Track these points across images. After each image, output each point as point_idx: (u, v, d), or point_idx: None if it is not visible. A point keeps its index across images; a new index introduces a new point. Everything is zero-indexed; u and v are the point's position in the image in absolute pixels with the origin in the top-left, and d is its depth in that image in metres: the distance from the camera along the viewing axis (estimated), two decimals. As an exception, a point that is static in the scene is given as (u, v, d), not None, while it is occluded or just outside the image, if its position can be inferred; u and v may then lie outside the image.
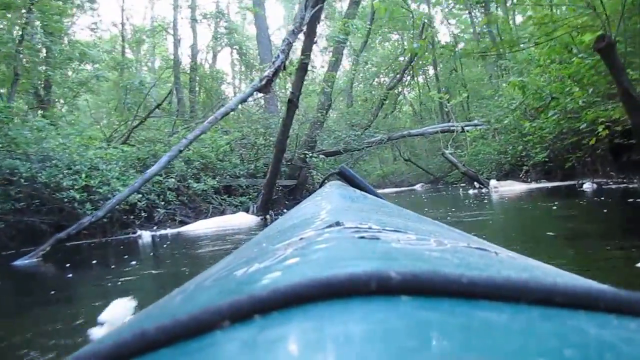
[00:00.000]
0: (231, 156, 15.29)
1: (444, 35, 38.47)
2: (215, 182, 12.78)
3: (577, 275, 0.51)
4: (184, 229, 10.57)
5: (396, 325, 0.25)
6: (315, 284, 0.28)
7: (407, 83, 35.76)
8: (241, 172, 15.42)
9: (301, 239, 0.54)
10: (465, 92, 21.44)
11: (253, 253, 0.58)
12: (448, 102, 19.90)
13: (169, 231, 10.24)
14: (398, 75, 29.41)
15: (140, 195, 10.06)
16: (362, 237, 0.48)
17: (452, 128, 22.18)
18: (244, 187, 15.84)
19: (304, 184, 17.37)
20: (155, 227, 10.79)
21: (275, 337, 0.25)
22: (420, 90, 41.00)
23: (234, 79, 35.28)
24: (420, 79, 39.74)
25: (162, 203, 11.36)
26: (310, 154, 16.22)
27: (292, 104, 11.36)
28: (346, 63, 36.37)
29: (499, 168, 19.68)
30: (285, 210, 13.09)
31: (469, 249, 0.49)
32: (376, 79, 33.87)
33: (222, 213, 13.10)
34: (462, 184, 26.22)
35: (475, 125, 21.60)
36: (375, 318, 0.26)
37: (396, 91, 31.52)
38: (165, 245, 7.94)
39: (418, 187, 33.73)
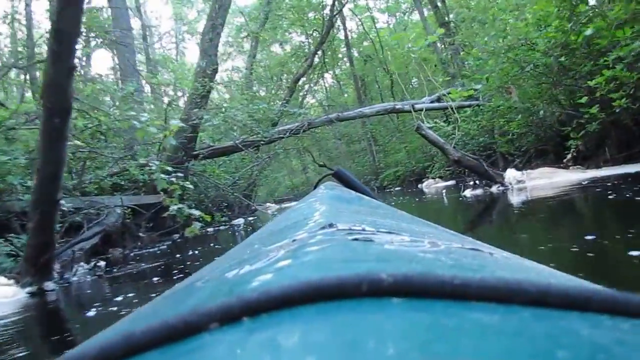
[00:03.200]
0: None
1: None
2: None
3: (572, 276, 0.49)
4: None
5: (386, 328, 0.25)
6: (306, 286, 0.28)
7: (315, 80, 33.09)
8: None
9: (294, 240, 0.52)
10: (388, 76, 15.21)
11: (245, 254, 0.56)
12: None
13: None
14: (308, 61, 24.80)
15: None
16: (355, 239, 0.47)
17: (397, 107, 16.63)
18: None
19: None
20: None
21: (263, 340, 0.25)
22: (328, 90, 38.72)
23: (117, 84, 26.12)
24: (328, 80, 38.28)
25: None
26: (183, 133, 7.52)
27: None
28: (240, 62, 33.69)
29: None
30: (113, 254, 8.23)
31: (463, 250, 0.49)
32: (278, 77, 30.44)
33: None
34: (397, 187, 22.96)
35: (433, 102, 16.38)
36: (365, 320, 0.26)
37: (302, 92, 29.38)
38: None
39: None
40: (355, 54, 33.98)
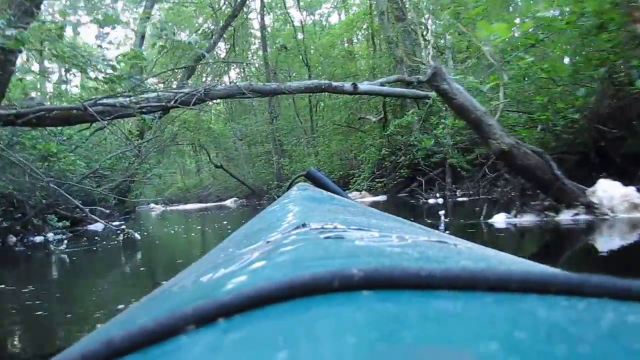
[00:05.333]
0: None
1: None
2: None
3: (533, 262, 0.53)
4: None
5: (357, 319, 0.26)
6: (279, 285, 0.30)
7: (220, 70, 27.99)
8: None
9: (267, 242, 0.52)
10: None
11: (219, 258, 0.56)
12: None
13: None
14: (215, 37, 19.48)
15: None
16: (328, 237, 0.48)
17: (335, 85, 11.90)
18: None
19: None
20: None
21: (238, 338, 0.26)
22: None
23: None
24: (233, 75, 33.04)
25: None
26: None
27: None
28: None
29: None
30: None
31: (429, 243, 0.50)
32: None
33: None
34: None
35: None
36: (336, 313, 0.27)
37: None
38: None
39: (230, 202, 27.27)
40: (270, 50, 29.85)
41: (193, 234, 10.26)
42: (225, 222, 11.99)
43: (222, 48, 27.84)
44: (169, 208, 29.12)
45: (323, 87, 11.80)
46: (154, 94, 9.87)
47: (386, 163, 16.79)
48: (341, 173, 20.13)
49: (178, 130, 22.18)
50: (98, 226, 11.61)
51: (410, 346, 0.22)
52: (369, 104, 20.61)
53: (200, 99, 10.00)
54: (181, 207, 29.66)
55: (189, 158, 36.79)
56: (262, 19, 29.70)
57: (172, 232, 11.29)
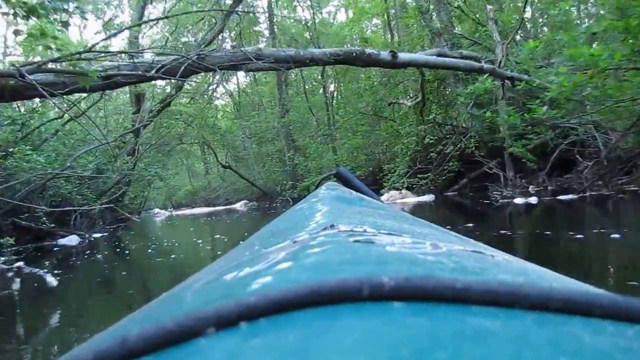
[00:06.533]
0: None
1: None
2: None
3: (575, 280, 0.50)
4: None
5: (387, 332, 0.25)
6: (305, 289, 0.29)
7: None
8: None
9: (294, 242, 0.51)
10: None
11: (244, 256, 0.54)
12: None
13: None
14: (218, 25, 15.92)
15: None
16: (357, 241, 0.47)
17: (368, 52, 9.41)
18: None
19: None
20: None
21: (261, 345, 0.25)
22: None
23: None
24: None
25: None
26: None
27: None
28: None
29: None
30: None
31: (465, 252, 0.48)
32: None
33: None
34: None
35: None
36: (366, 325, 0.26)
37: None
38: None
39: (239, 205, 25.03)
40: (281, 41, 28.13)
41: (174, 256, 7.28)
42: (217, 236, 9.81)
43: (228, 43, 26.14)
44: (174, 213, 28.56)
45: (354, 54, 9.19)
46: (129, 62, 7.35)
47: (432, 154, 14.66)
48: (370, 169, 18.10)
49: (176, 124, 19.86)
50: (72, 239, 9.40)
51: None
52: (399, 88, 18.68)
53: (193, 68, 7.31)
54: (188, 211, 28.39)
55: (196, 159, 36.11)
56: (270, 6, 28.70)
57: (151, 250, 8.31)
